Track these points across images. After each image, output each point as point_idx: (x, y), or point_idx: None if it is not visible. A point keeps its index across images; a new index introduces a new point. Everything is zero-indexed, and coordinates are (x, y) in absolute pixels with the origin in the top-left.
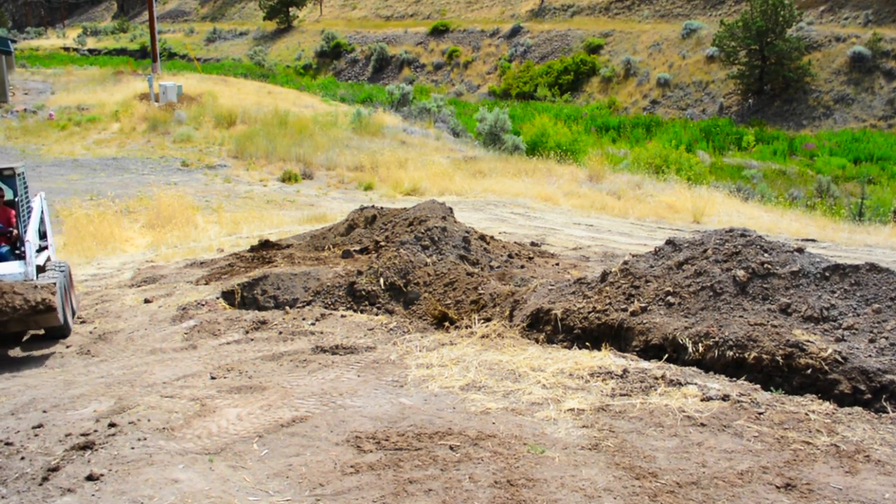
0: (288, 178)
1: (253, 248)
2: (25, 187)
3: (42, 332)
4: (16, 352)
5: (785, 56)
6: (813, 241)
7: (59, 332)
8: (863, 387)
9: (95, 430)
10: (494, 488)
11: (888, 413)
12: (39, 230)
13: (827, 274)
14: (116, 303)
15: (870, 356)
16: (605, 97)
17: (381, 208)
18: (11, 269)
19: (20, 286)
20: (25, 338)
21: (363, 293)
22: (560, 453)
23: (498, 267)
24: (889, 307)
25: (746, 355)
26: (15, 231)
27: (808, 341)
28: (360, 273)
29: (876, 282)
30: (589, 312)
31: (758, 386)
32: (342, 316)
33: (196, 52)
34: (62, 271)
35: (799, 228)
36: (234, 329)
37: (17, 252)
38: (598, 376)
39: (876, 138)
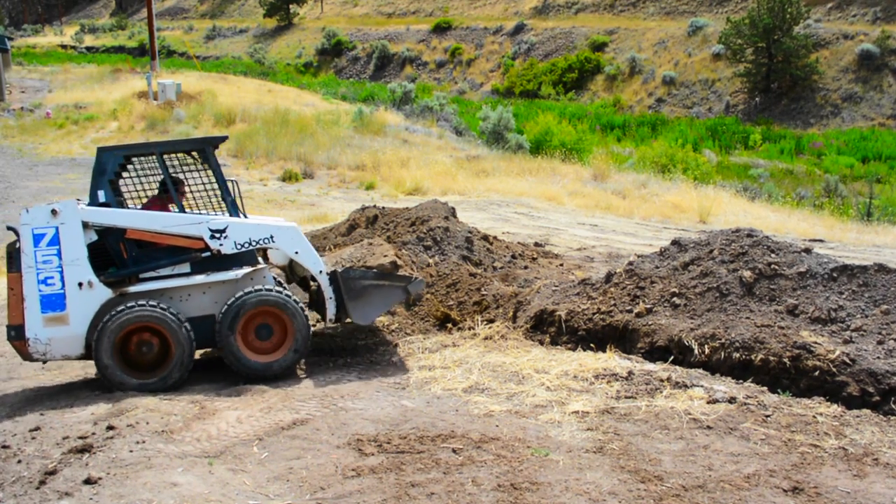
0: (288, 178)
1: None
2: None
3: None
4: None
5: (792, 54)
6: (821, 241)
7: None
8: (871, 389)
9: (93, 433)
10: (498, 492)
11: None
12: None
13: (835, 275)
14: None
15: (878, 358)
16: (610, 95)
17: (383, 208)
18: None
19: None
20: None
21: None
22: (564, 456)
23: (501, 268)
24: None
25: (753, 357)
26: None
27: (816, 343)
28: None
29: (884, 283)
30: (593, 314)
31: (765, 388)
32: None
33: (195, 49)
34: None
35: (806, 228)
36: None
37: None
38: (602, 378)
39: (884, 137)
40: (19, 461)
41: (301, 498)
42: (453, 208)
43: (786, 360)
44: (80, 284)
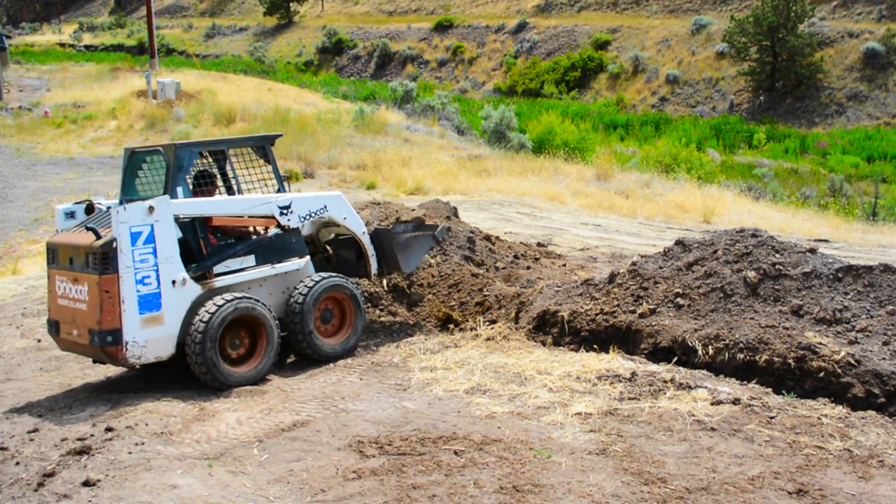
0: (289, 177)
1: None
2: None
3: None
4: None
5: (797, 52)
6: (825, 241)
7: None
8: (876, 390)
9: (92, 435)
10: (500, 494)
11: None
12: None
13: (840, 275)
14: None
15: (884, 359)
16: (613, 94)
17: None
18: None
19: None
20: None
21: (365, 295)
22: (567, 458)
23: (503, 268)
24: None
25: (757, 358)
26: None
27: (821, 344)
28: None
29: (890, 283)
30: (596, 314)
31: (769, 389)
32: None
33: (195, 48)
34: None
35: (811, 228)
36: None
37: None
38: (605, 379)
39: (890, 136)
40: (17, 463)
41: (301, 500)
42: (455, 208)
43: (790, 361)
44: (174, 282)
